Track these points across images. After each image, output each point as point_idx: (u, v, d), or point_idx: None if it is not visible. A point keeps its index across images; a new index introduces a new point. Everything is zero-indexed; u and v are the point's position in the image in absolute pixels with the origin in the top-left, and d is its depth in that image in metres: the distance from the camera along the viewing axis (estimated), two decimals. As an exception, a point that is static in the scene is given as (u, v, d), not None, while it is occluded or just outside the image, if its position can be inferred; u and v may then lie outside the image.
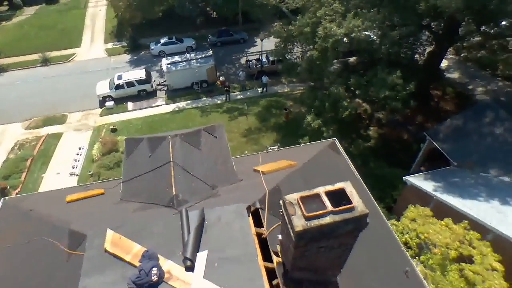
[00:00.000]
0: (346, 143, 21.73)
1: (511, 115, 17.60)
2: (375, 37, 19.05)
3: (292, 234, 4.56)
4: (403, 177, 16.24)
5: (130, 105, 27.71)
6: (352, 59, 22.92)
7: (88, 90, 28.42)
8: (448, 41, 22.00)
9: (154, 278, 4.75)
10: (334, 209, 4.59)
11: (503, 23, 19.37)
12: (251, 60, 30.71)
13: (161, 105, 27.85)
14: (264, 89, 28.42)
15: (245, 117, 25.94)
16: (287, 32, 19.85)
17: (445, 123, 18.40)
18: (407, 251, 11.02)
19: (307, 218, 4.51)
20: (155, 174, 8.10)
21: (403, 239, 11.66)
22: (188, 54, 29.84)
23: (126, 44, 34.82)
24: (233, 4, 33.82)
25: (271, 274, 5.43)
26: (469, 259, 10.83)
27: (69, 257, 6.11)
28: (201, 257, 4.90)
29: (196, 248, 5.01)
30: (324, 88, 18.85)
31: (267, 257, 5.81)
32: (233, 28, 36.06)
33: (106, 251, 5.56)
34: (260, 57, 30.03)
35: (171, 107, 27.57)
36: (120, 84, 27.38)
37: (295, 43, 20.73)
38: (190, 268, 4.74)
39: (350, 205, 4.64)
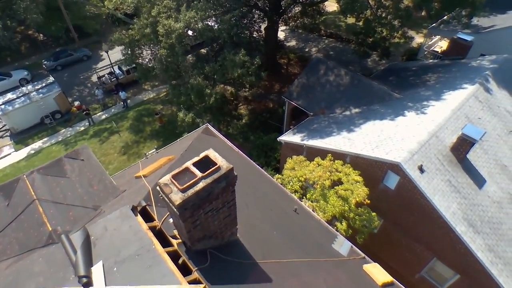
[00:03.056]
0: (224, 127, 23.04)
1: (338, 63, 21.87)
2: (213, 23, 20.37)
3: (175, 209, 4.96)
4: (278, 139, 18.47)
5: (-36, 168, 22.52)
6: (202, 50, 23.94)
7: None
8: (276, 15, 25.26)
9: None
10: (204, 174, 5.20)
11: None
12: (103, 75, 28.58)
13: (9, 154, 23.49)
14: (125, 104, 26.89)
15: (117, 135, 24.36)
16: (129, 37, 19.26)
17: (294, 84, 21.43)
18: (295, 195, 12.92)
19: (183, 190, 4.99)
20: (21, 221, 7.18)
21: (290, 187, 13.50)
22: (24, 88, 25.66)
23: None
24: (57, 20, 30.29)
25: (175, 256, 5.75)
26: (339, 182, 13.39)
27: None
28: (97, 270, 4.83)
29: (89, 264, 4.89)
30: (185, 82, 19.31)
31: (167, 245, 6.08)
32: (71, 47, 32.57)
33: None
34: (112, 69, 28.23)
35: (24, 152, 23.59)
36: None
37: (142, 47, 20.33)
38: (87, 285, 4.64)
39: (216, 166, 5.33)
